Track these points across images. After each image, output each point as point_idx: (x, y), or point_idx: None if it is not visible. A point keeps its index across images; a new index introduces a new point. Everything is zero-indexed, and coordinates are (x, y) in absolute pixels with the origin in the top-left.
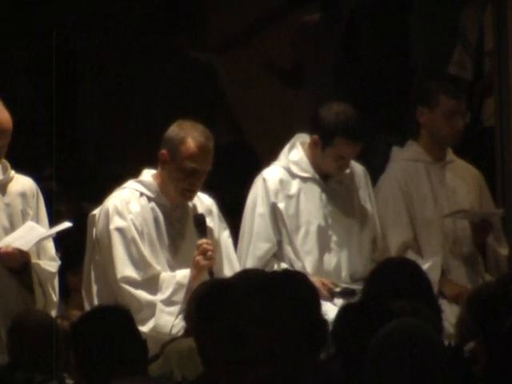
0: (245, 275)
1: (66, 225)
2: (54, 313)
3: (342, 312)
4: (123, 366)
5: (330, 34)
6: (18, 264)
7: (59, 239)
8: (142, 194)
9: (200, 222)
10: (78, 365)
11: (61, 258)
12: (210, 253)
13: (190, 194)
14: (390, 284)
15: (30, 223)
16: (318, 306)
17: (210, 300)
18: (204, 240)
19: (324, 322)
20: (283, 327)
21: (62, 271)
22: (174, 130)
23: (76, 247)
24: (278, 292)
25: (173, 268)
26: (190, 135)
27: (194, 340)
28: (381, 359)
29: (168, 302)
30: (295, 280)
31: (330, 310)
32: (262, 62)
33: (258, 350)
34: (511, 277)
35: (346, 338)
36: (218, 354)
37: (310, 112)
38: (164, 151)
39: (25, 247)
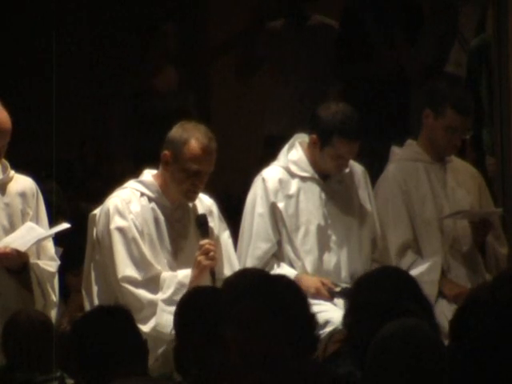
0: (242, 275)
1: (65, 226)
2: (53, 313)
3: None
4: (124, 365)
5: (296, 37)
6: (17, 264)
7: (59, 239)
8: (142, 194)
9: (202, 222)
10: (78, 365)
11: (62, 255)
12: (212, 253)
13: (193, 195)
14: (378, 293)
15: (29, 224)
16: (306, 309)
17: (189, 308)
18: (206, 240)
19: (313, 323)
20: (270, 332)
21: (62, 272)
22: (177, 131)
23: (76, 248)
24: (263, 298)
25: (173, 268)
26: (193, 136)
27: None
28: (381, 360)
29: (169, 301)
30: (280, 284)
31: (330, 309)
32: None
33: (247, 354)
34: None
35: (360, 336)
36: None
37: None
38: (167, 152)
39: (22, 248)
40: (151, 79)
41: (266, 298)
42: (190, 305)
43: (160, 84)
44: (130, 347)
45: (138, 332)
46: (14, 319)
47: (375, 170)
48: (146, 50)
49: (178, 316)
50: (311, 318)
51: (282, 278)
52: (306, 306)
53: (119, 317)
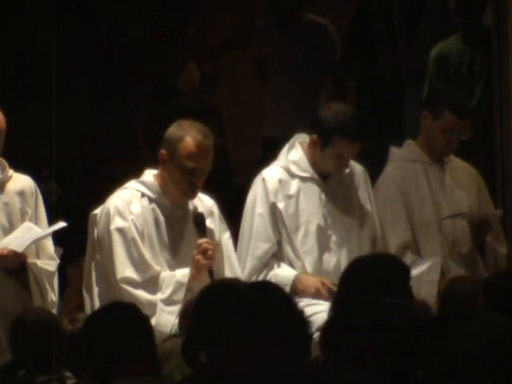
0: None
1: (61, 225)
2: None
3: (330, 320)
4: (134, 363)
5: (285, 35)
6: (14, 265)
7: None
8: (143, 195)
9: (199, 221)
10: (89, 362)
11: (62, 255)
12: (210, 252)
13: (191, 194)
14: (364, 281)
15: (27, 224)
16: (294, 313)
17: (205, 302)
18: (204, 239)
19: (305, 324)
20: (262, 341)
21: (62, 267)
22: (172, 130)
23: (75, 242)
24: (251, 309)
25: (173, 269)
26: (188, 134)
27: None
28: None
29: (168, 301)
30: (266, 292)
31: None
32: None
33: (244, 362)
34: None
35: (335, 346)
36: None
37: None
38: (163, 151)
39: (19, 248)
40: (174, 78)
41: (255, 308)
42: (205, 299)
43: (182, 82)
44: (141, 345)
45: (150, 329)
46: (23, 318)
47: (372, 172)
48: (167, 49)
49: (194, 309)
50: (301, 319)
51: (268, 284)
52: (294, 308)
53: (134, 313)
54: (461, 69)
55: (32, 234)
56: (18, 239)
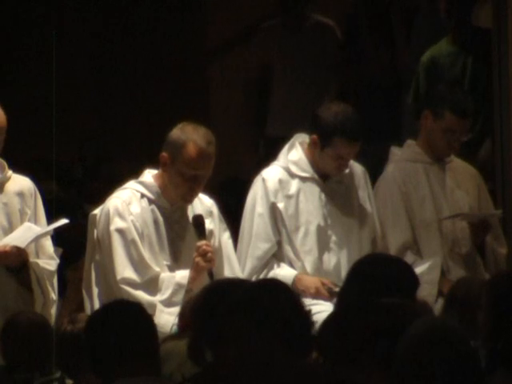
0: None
1: (63, 221)
2: (53, 311)
3: (327, 321)
4: (136, 362)
5: (292, 36)
6: (16, 263)
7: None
8: (142, 196)
9: (199, 222)
10: (92, 360)
11: (62, 255)
12: (209, 254)
13: (190, 198)
14: (370, 281)
15: (27, 224)
16: (299, 312)
17: (209, 298)
18: (204, 241)
19: (308, 325)
20: (265, 341)
21: (61, 268)
22: (175, 133)
23: (74, 243)
24: (256, 307)
25: (172, 270)
26: (190, 140)
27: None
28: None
29: (168, 302)
30: (272, 290)
31: (330, 309)
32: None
33: (245, 361)
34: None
35: (332, 347)
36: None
37: (281, 113)
38: (165, 154)
39: (21, 244)
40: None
41: (260, 307)
42: (209, 295)
43: None
44: (144, 344)
45: (153, 329)
46: (13, 321)
47: (372, 172)
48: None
49: (200, 307)
50: (307, 318)
51: (275, 283)
52: (299, 307)
53: (137, 312)
54: (453, 71)
55: (33, 232)
56: (19, 238)
